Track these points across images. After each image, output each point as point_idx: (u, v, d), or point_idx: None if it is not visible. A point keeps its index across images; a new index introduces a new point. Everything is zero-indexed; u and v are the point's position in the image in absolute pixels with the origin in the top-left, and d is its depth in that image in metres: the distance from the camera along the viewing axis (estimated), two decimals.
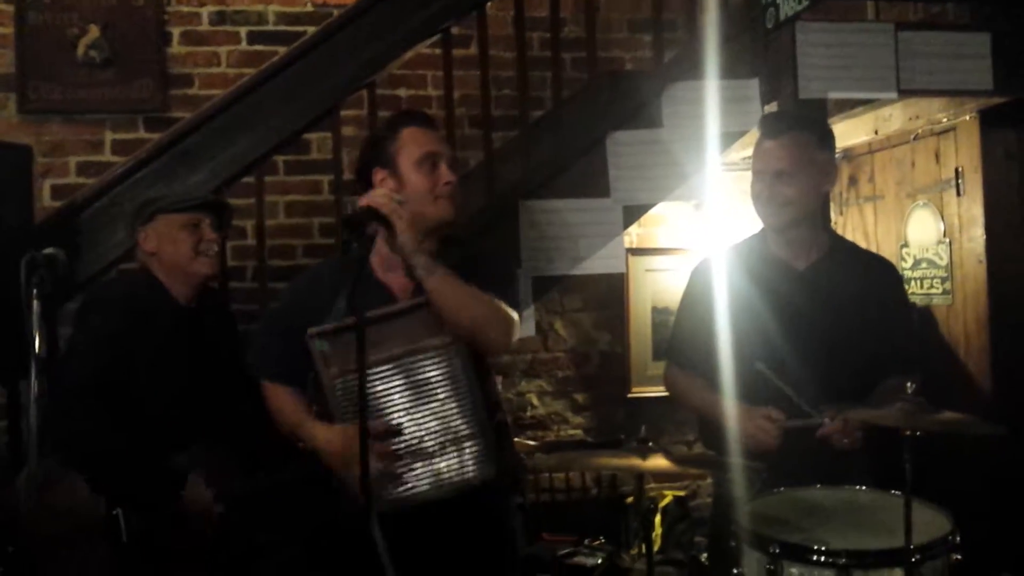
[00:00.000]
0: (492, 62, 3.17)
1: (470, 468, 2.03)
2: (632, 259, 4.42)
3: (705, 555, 3.21)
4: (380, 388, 2.02)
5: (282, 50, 3.12)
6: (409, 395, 2.03)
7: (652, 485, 4.33)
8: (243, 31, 4.07)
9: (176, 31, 4.01)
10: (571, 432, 4.45)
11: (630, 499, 4.14)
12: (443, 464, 2.03)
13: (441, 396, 2.03)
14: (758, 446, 2.17)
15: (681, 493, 4.34)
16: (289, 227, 4.05)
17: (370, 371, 1.96)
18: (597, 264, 2.99)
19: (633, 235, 4.46)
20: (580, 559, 3.56)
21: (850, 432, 2.14)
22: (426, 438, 2.02)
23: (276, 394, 2.19)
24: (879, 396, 2.20)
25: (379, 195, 1.97)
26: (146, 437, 2.25)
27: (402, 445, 2.02)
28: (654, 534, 3.82)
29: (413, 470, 2.03)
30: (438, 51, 3.19)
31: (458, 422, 2.03)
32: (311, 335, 2.01)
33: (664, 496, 4.25)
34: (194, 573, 2.29)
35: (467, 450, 2.03)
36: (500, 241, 2.96)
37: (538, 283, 2.99)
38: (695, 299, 2.44)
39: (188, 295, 2.46)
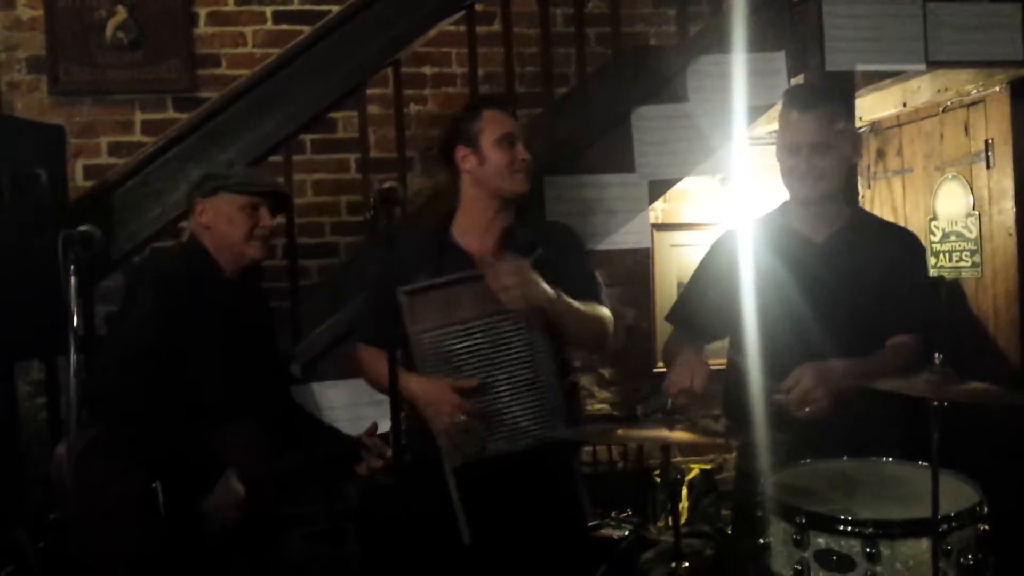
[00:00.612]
0: (516, 39, 3.18)
1: (541, 425, 2.22)
2: (657, 234, 4.42)
3: (731, 527, 3.23)
4: (460, 346, 2.22)
5: (307, 29, 3.15)
6: (487, 354, 2.22)
7: (679, 458, 4.36)
8: (268, 11, 4.10)
9: (202, 12, 4.05)
10: (597, 407, 4.47)
11: (657, 472, 4.16)
12: (516, 420, 2.22)
13: (517, 356, 2.22)
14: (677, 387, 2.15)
15: (708, 466, 4.36)
16: (317, 205, 4.09)
17: (452, 328, 2.22)
18: (623, 239, 3.00)
19: (658, 210, 4.45)
20: (607, 531, 3.59)
21: (803, 398, 2.08)
22: (501, 395, 2.22)
23: (371, 356, 2.37)
24: (878, 356, 2.20)
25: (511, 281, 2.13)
26: (189, 409, 2.27)
27: (479, 401, 2.20)
28: (681, 506, 3.84)
29: (488, 424, 2.21)
30: (462, 28, 3.19)
31: (532, 381, 2.22)
32: (401, 292, 2.24)
33: (691, 469, 4.27)
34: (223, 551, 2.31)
35: (538, 408, 2.22)
36: (525, 217, 2.97)
37: None
38: (715, 269, 2.45)
39: (234, 271, 2.47)
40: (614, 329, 2.41)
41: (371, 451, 2.42)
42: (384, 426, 2.33)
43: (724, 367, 2.45)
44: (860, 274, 2.29)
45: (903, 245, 2.40)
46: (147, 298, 2.28)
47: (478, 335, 2.23)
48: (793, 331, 2.25)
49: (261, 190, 2.46)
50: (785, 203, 2.43)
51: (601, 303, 2.37)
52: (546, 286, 2.17)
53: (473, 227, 2.37)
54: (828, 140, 2.27)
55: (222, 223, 2.41)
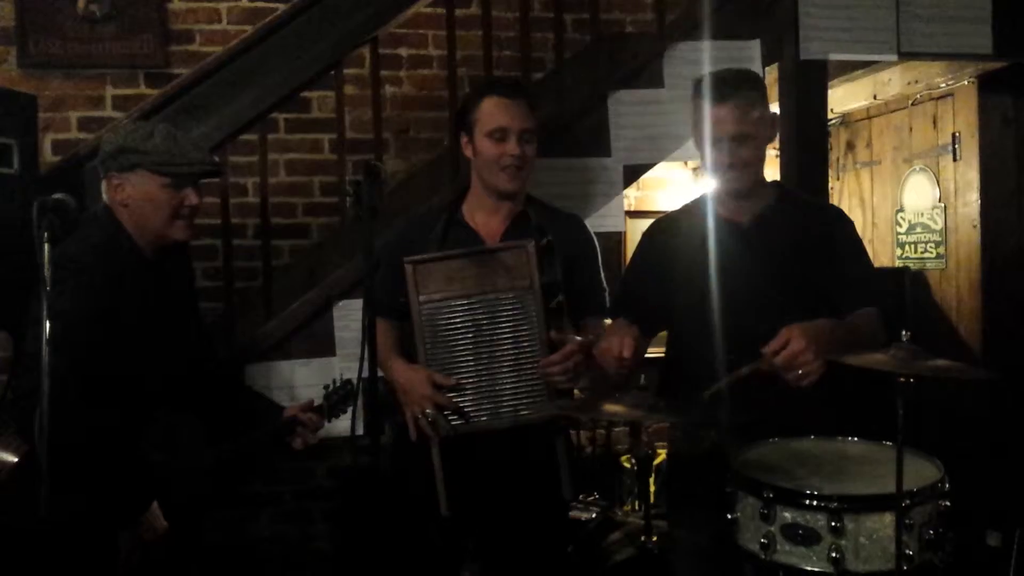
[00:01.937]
0: (494, 22, 3.18)
1: (530, 403, 2.25)
2: (631, 222, 4.42)
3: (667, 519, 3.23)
4: (457, 319, 2.26)
5: (282, 7, 3.13)
6: (483, 329, 2.26)
7: (646, 439, 4.39)
8: None
9: None
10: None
11: (624, 457, 4.20)
12: (505, 397, 2.25)
13: (512, 335, 2.26)
14: (603, 364, 2.15)
15: None
16: (289, 185, 4.06)
17: (450, 303, 2.26)
18: (597, 223, 3.01)
19: (632, 197, 4.48)
20: (576, 513, 3.60)
21: (793, 360, 1.95)
22: (493, 371, 2.25)
23: (381, 328, 2.29)
24: (855, 319, 2.18)
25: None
26: (118, 402, 2.13)
27: (470, 375, 2.25)
28: (650, 491, 3.88)
29: (476, 400, 2.25)
30: (440, 10, 3.19)
31: (524, 360, 2.24)
32: (406, 261, 2.27)
33: (659, 455, 4.31)
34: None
35: (528, 386, 2.25)
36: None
37: None
38: (644, 261, 2.45)
39: (154, 250, 2.27)
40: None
41: (307, 426, 2.39)
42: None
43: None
44: (788, 254, 2.26)
45: (831, 221, 2.37)
46: (63, 299, 1.98)
47: (477, 310, 2.27)
48: (724, 315, 2.23)
49: (186, 170, 2.20)
50: (713, 191, 2.39)
51: (604, 314, 2.43)
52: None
53: (481, 208, 2.40)
54: (747, 129, 2.22)
55: (143, 204, 2.19)
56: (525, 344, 2.26)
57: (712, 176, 2.32)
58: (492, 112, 2.32)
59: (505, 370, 2.27)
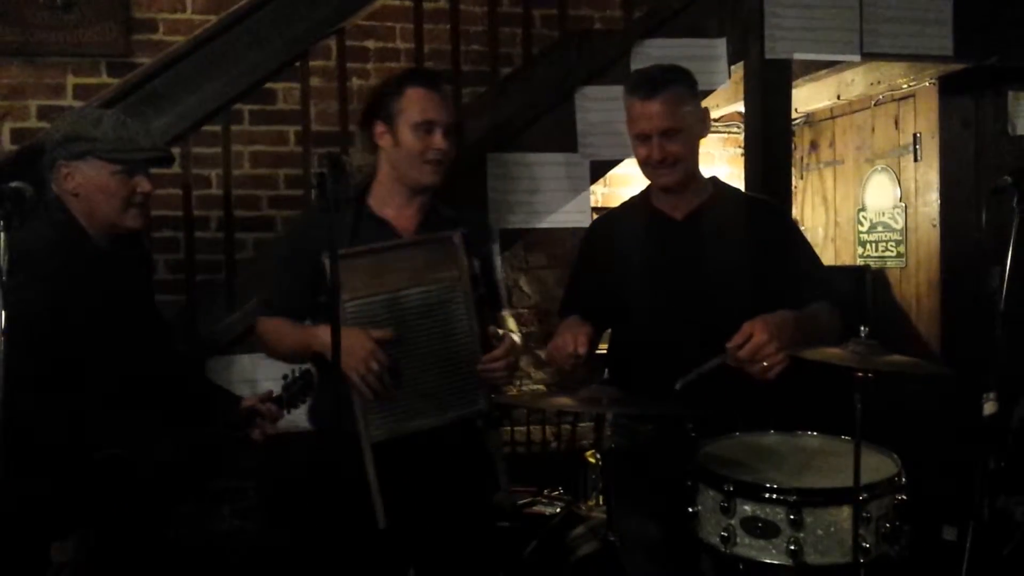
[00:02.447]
0: (462, 16, 3.17)
1: (464, 399, 2.15)
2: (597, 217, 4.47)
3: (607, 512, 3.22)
4: (387, 315, 2.13)
5: None
6: (414, 325, 2.13)
7: (608, 435, 4.42)
8: None
9: None
10: (534, 387, 4.51)
11: (589, 452, 4.22)
12: (439, 394, 2.14)
13: (442, 328, 2.16)
14: (557, 361, 2.21)
15: None
16: (254, 177, 4.03)
17: (376, 299, 2.12)
18: (563, 218, 3.03)
19: (598, 194, 4.49)
20: (539, 508, 3.62)
21: (756, 353, 1.98)
22: (428, 368, 2.13)
23: (275, 323, 2.27)
24: (812, 311, 2.18)
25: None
26: (72, 399, 2.07)
27: (404, 374, 2.12)
28: None
29: (409, 398, 2.12)
30: (408, 3, 3.18)
31: (457, 354, 2.14)
32: (327, 257, 2.04)
33: None
34: None
35: (461, 382, 2.15)
36: (467, 194, 2.98)
37: (504, 235, 3.01)
38: (584, 258, 2.47)
39: (107, 239, 2.22)
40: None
41: (266, 416, 2.29)
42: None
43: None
44: (725, 249, 2.26)
45: (767, 216, 2.38)
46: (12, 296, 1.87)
47: (406, 305, 2.15)
48: (663, 311, 2.25)
49: (138, 156, 2.16)
50: (648, 188, 2.40)
51: (505, 308, 2.39)
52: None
53: (392, 200, 2.27)
54: (676, 124, 2.22)
55: (93, 192, 2.14)
56: (459, 338, 2.16)
57: (645, 175, 2.33)
58: (419, 103, 2.19)
59: (440, 366, 2.16)
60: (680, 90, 2.25)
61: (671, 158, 2.24)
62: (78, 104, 3.73)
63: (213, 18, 3.41)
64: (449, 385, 2.16)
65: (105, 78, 3.87)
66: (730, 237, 2.27)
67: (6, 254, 1.75)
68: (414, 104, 2.19)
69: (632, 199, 2.48)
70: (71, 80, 3.88)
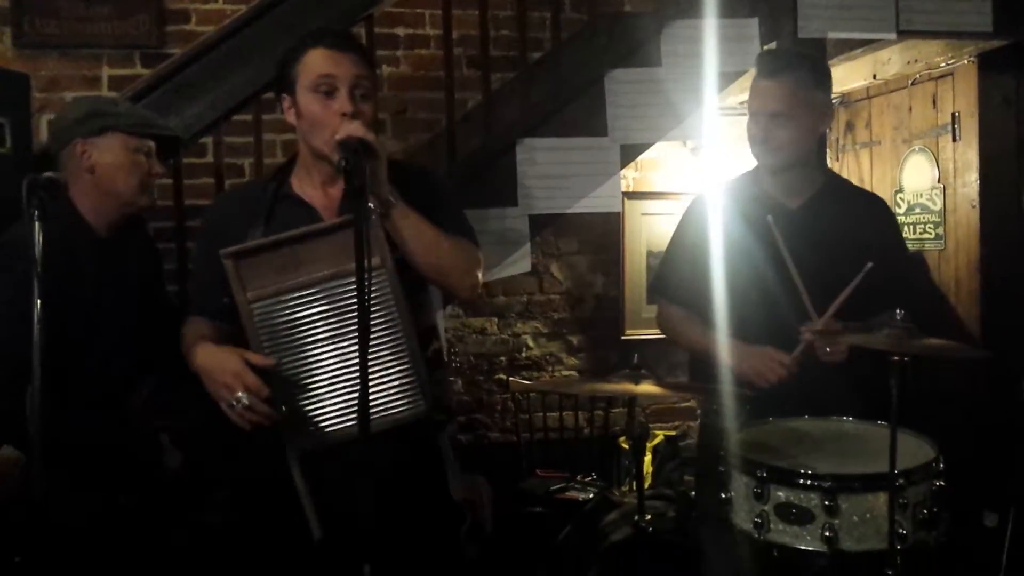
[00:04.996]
0: (491, 2, 3.15)
1: (400, 403, 1.86)
2: (628, 203, 4.44)
3: (693, 492, 3.27)
4: (301, 314, 1.85)
5: None
6: (334, 323, 1.85)
7: (641, 420, 4.41)
8: None
9: None
10: (565, 373, 4.51)
11: (622, 439, 4.21)
12: (372, 398, 1.74)
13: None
14: (763, 381, 2.17)
15: (672, 432, 4.42)
16: None
17: (290, 295, 1.84)
18: (594, 203, 3.01)
19: (629, 179, 4.47)
20: (572, 493, 3.63)
21: (833, 341, 2.11)
22: (351, 370, 1.81)
23: (186, 327, 2.02)
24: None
25: (359, 126, 1.81)
26: (89, 387, 2.10)
27: (324, 377, 1.85)
28: (645, 470, 3.89)
29: (336, 405, 1.85)
30: None
31: (387, 352, 1.85)
32: (225, 255, 1.83)
33: (655, 436, 4.32)
34: None
35: (397, 383, 1.86)
36: (497, 180, 2.97)
37: (534, 221, 3.01)
38: (687, 235, 2.45)
39: (111, 226, 2.21)
40: (481, 270, 2.02)
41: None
42: None
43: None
44: (834, 242, 2.28)
45: (877, 212, 2.41)
46: (8, 286, 1.95)
47: (321, 301, 1.85)
48: (766, 297, 2.26)
49: (159, 132, 2.18)
50: (756, 168, 2.42)
51: (470, 240, 2.02)
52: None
53: (310, 179, 1.98)
54: (787, 110, 2.23)
55: (111, 168, 2.14)
56: (385, 332, 1.84)
57: (751, 149, 2.35)
58: (316, 62, 1.89)
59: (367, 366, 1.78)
60: (801, 77, 2.26)
61: (774, 141, 2.26)
62: (113, 95, 3.76)
63: (243, 8, 3.43)
64: (383, 387, 1.85)
65: (139, 68, 3.90)
66: (843, 229, 2.29)
67: (41, 244, 1.78)
68: (310, 65, 1.89)
69: (739, 179, 2.47)
70: (106, 71, 3.91)
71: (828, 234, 2.30)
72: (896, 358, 1.74)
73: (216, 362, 1.83)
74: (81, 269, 2.13)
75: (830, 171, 2.47)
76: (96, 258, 2.17)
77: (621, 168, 3.07)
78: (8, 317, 1.94)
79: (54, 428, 1.82)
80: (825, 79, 2.36)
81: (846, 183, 2.56)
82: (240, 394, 1.77)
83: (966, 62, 3.62)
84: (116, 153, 2.16)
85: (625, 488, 3.97)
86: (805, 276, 2.22)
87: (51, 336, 1.89)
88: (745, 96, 2.53)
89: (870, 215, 2.38)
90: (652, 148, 3.19)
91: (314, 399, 1.85)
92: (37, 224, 1.77)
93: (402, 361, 1.86)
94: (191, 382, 1.94)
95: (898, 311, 1.79)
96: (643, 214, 4.56)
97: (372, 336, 1.75)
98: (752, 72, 2.43)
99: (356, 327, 1.70)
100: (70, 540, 2.00)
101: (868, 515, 1.80)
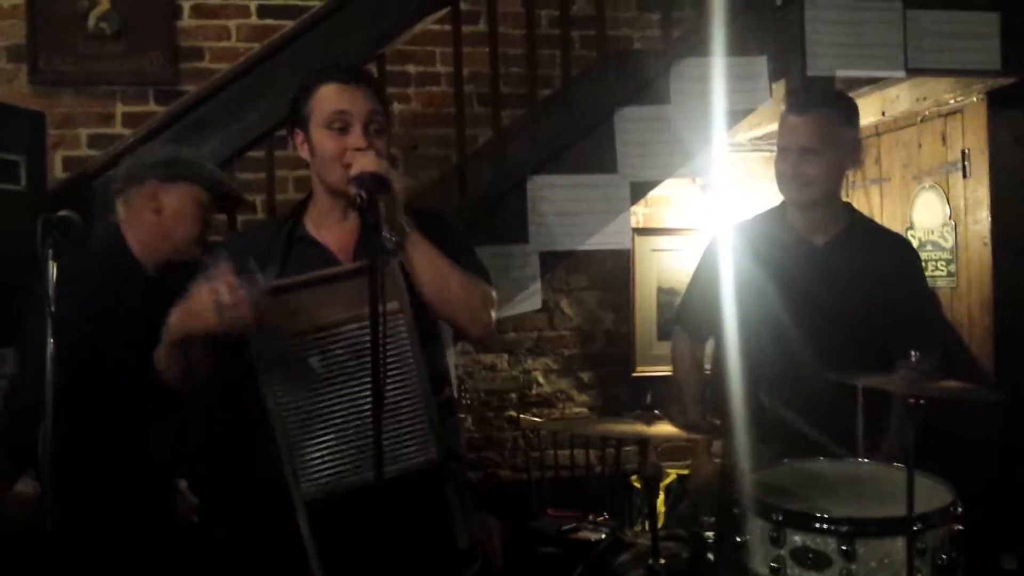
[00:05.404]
0: (501, 39, 3.18)
1: (409, 451, 1.83)
2: (638, 239, 4.44)
3: (708, 533, 3.23)
4: (315, 358, 1.82)
5: (290, 24, 3.14)
6: (348, 368, 1.81)
7: (653, 461, 4.36)
8: (253, 5, 4.07)
9: (186, 4, 4.01)
10: (576, 410, 4.48)
11: (634, 477, 4.16)
12: (383, 444, 1.71)
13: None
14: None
15: (685, 472, 4.36)
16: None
17: (305, 338, 1.81)
18: (604, 240, 3.01)
19: (639, 215, 4.47)
20: (584, 534, 3.58)
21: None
22: (364, 416, 1.78)
23: None
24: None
25: (373, 160, 1.79)
26: (127, 419, 2.14)
27: (336, 426, 1.82)
28: (658, 509, 3.85)
29: (344, 452, 1.81)
30: (447, 27, 3.19)
31: (401, 399, 1.82)
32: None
33: (668, 475, 4.27)
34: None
35: (407, 431, 1.83)
36: (508, 216, 2.98)
37: (545, 259, 3.01)
38: (710, 268, 2.45)
39: (159, 266, 2.28)
40: (494, 310, 1.96)
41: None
42: None
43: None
44: (859, 280, 2.28)
45: (901, 252, 2.42)
46: (63, 310, 1.92)
47: (335, 345, 1.81)
48: (788, 331, 2.25)
49: (231, 192, 2.30)
50: (782, 204, 2.42)
51: (484, 279, 1.97)
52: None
53: (327, 219, 1.95)
54: (817, 146, 2.24)
55: (176, 215, 2.23)
56: (399, 377, 1.81)
57: (778, 186, 2.36)
58: (329, 97, 1.87)
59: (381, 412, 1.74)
60: (832, 114, 2.28)
61: (803, 177, 2.26)
62: (127, 132, 3.80)
63: (257, 46, 3.47)
64: (394, 434, 1.80)
65: (153, 106, 3.94)
66: (867, 268, 2.29)
67: (55, 283, 1.79)
68: (322, 101, 1.88)
69: (765, 214, 2.48)
70: (120, 108, 3.96)
71: (852, 272, 2.29)
72: (912, 400, 1.72)
73: (187, 298, 1.74)
74: (124, 302, 2.18)
75: (855, 209, 2.47)
76: (140, 293, 2.21)
77: (631, 205, 3.08)
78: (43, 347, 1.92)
79: (79, 448, 1.88)
80: (854, 116, 2.36)
81: (871, 222, 2.56)
82: (221, 288, 1.68)
83: (975, 99, 3.62)
84: (185, 202, 2.25)
85: (637, 528, 3.92)
86: (826, 314, 2.22)
87: (85, 363, 1.99)
88: (754, 132, 2.56)
89: (894, 255, 2.38)
90: (661, 185, 3.19)
91: (324, 444, 1.82)
92: (52, 263, 1.78)
93: (415, 408, 1.83)
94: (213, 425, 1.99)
95: (913, 353, 1.77)
96: (653, 250, 4.55)
97: (387, 381, 1.72)
98: (761, 112, 2.45)
99: (368, 372, 1.69)
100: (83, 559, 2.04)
101: (886, 560, 1.77)
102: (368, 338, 1.70)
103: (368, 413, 1.71)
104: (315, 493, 1.81)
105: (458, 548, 1.91)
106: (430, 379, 1.85)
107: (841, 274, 2.28)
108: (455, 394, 2.12)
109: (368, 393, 1.69)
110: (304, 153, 1.94)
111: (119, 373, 2.12)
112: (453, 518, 1.90)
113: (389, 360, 1.74)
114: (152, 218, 2.24)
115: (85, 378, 2.04)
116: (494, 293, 1.98)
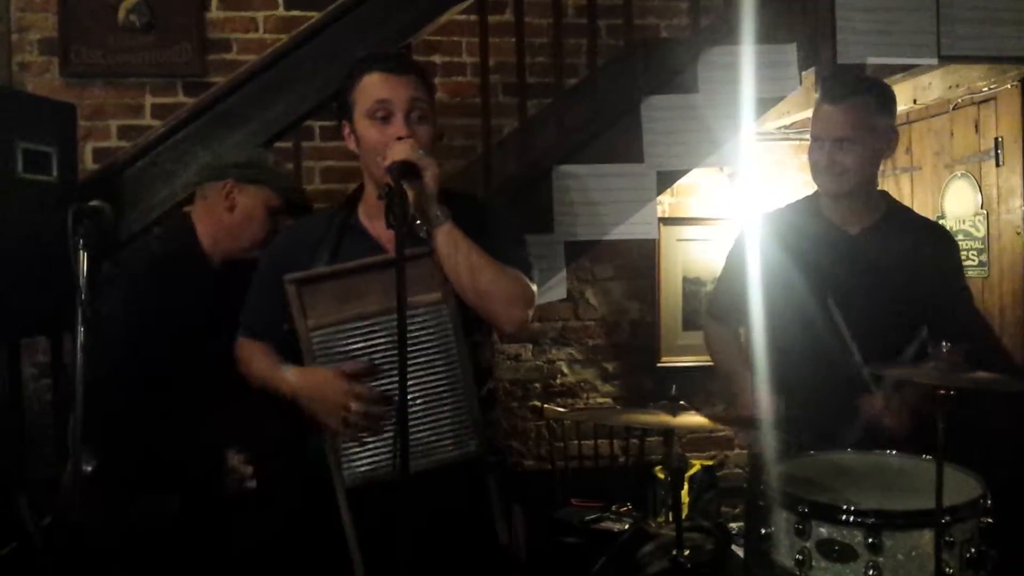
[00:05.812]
0: (527, 29, 3.16)
1: (450, 442, 1.84)
2: (664, 228, 4.42)
3: (733, 523, 3.23)
4: (358, 346, 1.85)
5: (317, 16, 3.14)
6: (388, 356, 1.83)
7: (678, 451, 4.35)
8: None
9: None
10: (600, 400, 4.48)
11: (658, 468, 4.16)
12: (422, 436, 1.82)
13: (426, 360, 1.84)
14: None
15: (709, 463, 4.35)
16: (325, 192, 4.08)
17: (350, 325, 1.84)
18: (630, 229, 3.00)
19: (665, 204, 4.45)
20: (607, 524, 3.59)
21: (895, 413, 2.13)
22: (408, 406, 1.74)
23: (247, 348, 2.05)
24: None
25: (404, 148, 1.80)
26: (181, 406, 2.19)
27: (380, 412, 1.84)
28: (682, 500, 3.84)
29: (385, 441, 1.83)
30: (473, 17, 3.19)
31: (443, 390, 1.84)
32: (288, 281, 1.84)
33: (692, 465, 4.26)
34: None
35: (449, 422, 1.85)
36: (533, 206, 2.97)
37: (570, 248, 3.00)
38: (743, 256, 2.43)
39: (224, 260, 2.38)
40: (531, 305, 1.93)
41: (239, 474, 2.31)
42: None
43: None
44: (893, 270, 2.26)
45: (938, 241, 2.38)
46: (130, 291, 2.13)
47: (379, 333, 1.84)
48: (819, 321, 2.24)
49: (301, 201, 2.39)
50: (815, 193, 2.40)
51: (525, 272, 1.95)
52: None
53: (376, 207, 1.90)
54: (852, 135, 2.21)
55: (247, 215, 2.32)
56: (444, 370, 1.84)
57: (812, 176, 2.33)
58: (373, 87, 1.87)
59: (420, 402, 1.82)
60: (867, 101, 2.24)
61: (838, 167, 2.24)
62: (156, 123, 3.82)
63: (284, 37, 3.48)
64: (434, 424, 1.84)
65: (182, 97, 3.98)
66: (904, 258, 2.27)
67: (87, 273, 1.81)
68: (365, 90, 1.88)
69: (798, 203, 2.46)
70: (149, 100, 4.00)
71: (887, 262, 2.27)
72: (942, 392, 1.70)
73: (316, 383, 1.84)
74: (191, 289, 2.26)
75: (892, 198, 2.43)
76: (205, 282, 2.31)
77: (657, 194, 3.05)
78: (127, 325, 2.12)
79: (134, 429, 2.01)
80: (890, 104, 2.32)
81: (908, 211, 2.50)
82: (355, 407, 1.80)
83: (1009, 86, 3.56)
84: (257, 204, 2.33)
85: (661, 519, 3.91)
86: (861, 302, 2.19)
87: (147, 345, 2.11)
88: (783, 121, 2.53)
89: (931, 244, 2.34)
90: (688, 174, 3.17)
91: (368, 431, 1.85)
92: (82, 253, 1.80)
93: (457, 399, 1.84)
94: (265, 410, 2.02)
95: (944, 343, 1.75)
96: (679, 240, 4.53)
97: (428, 372, 1.83)
98: (790, 101, 2.42)
99: (412, 362, 1.73)
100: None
101: (913, 553, 1.76)
102: (412, 327, 1.75)
103: (412, 400, 1.76)
104: (356, 481, 1.84)
105: (499, 542, 1.91)
106: (474, 371, 1.86)
107: (875, 264, 2.25)
108: (497, 388, 2.12)
109: (409, 382, 1.68)
110: (352, 145, 1.95)
111: (180, 357, 2.19)
112: (493, 512, 1.90)
113: (431, 351, 1.83)
114: (224, 214, 2.33)
115: (146, 361, 2.14)
116: (534, 288, 1.95)
